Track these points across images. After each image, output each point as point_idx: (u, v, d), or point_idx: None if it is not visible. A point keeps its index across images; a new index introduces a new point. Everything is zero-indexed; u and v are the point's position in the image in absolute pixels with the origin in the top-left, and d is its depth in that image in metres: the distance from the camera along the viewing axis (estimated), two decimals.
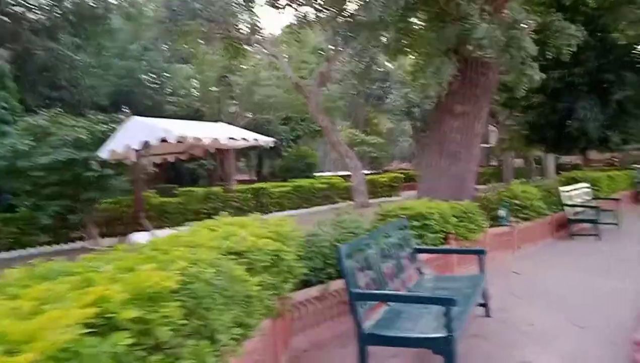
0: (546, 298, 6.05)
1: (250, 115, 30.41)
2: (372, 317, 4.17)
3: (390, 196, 22.70)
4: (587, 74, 17.13)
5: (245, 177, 30.86)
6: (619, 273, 7.17)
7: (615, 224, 10.95)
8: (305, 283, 5.08)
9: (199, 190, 16.52)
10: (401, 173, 26.87)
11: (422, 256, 6.18)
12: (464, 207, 7.67)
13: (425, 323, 3.97)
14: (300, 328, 4.84)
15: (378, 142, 35.70)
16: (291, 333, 4.69)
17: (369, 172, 35.82)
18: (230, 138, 11.74)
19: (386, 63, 28.86)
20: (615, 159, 39.87)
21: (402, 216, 6.48)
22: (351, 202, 18.46)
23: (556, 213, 10.46)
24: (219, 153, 18.96)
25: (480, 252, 5.56)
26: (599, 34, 16.76)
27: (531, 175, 32.00)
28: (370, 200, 18.85)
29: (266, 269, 3.50)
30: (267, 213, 17.19)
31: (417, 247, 5.92)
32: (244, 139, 12.44)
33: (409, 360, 4.33)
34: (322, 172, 36.20)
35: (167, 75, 27.78)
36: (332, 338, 4.95)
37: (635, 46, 17.37)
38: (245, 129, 15.58)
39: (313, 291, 5.00)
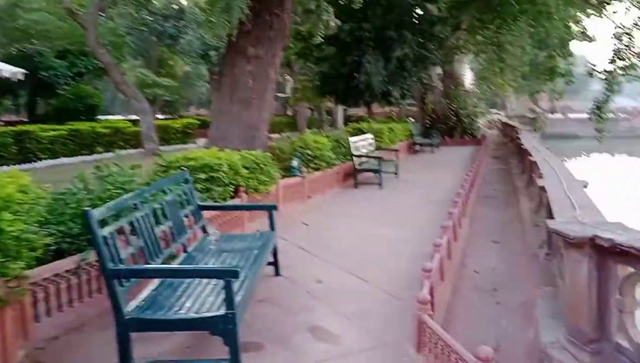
0: (334, 251, 5.95)
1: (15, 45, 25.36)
2: (139, 296, 3.37)
3: (185, 143, 21.42)
4: (374, 30, 18.05)
5: (14, 118, 26.03)
6: (400, 222, 7.53)
7: (395, 173, 11.78)
8: (58, 255, 4.02)
9: None
10: (197, 119, 25.59)
11: (208, 213, 5.52)
12: (256, 157, 7.18)
13: (204, 299, 3.33)
14: (46, 311, 3.80)
15: (172, 85, 33.43)
16: (30, 320, 3.62)
17: (162, 117, 33.47)
18: None
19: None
20: (394, 112, 44.55)
21: (185, 168, 5.66)
22: (141, 150, 16.82)
23: (344, 163, 10.77)
24: None
25: (271, 208, 5.10)
26: None
27: (323, 126, 33.68)
28: (163, 148, 17.40)
29: None
30: (33, 161, 14.61)
31: (202, 203, 5.21)
32: None
33: (184, 339, 3.68)
34: (109, 115, 32.53)
35: None
36: (93, 318, 4.03)
37: (415, 7, 18.76)
38: (6, 60, 12.69)
39: (65, 264, 3.96)
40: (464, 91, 23.27)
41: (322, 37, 9.85)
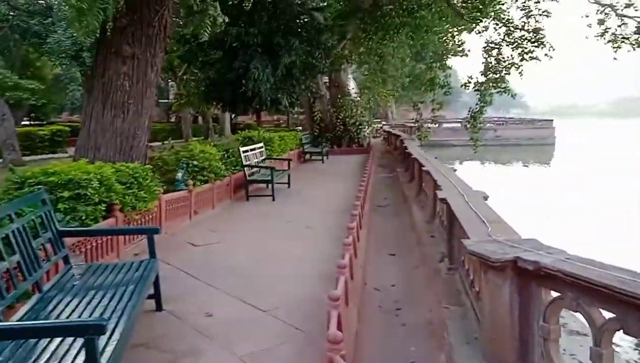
0: (226, 275, 5.33)
1: None
2: None
3: (55, 153, 19.28)
4: (261, 35, 17.57)
5: None
6: (297, 237, 7.08)
7: (287, 184, 11.36)
8: None
9: None
10: (69, 126, 23.25)
11: (74, 240, 4.63)
12: (134, 170, 6.31)
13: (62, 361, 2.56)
14: None
15: (39, 88, 30.15)
16: None
17: (27, 123, 30.11)
18: None
19: None
20: (281, 120, 44.36)
21: (43, 185, 4.71)
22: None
23: (234, 174, 10.13)
24: None
25: (151, 232, 4.36)
26: None
27: (209, 134, 32.48)
28: (27, 158, 15.41)
29: None
30: None
31: (64, 228, 4.33)
32: None
33: None
34: None
35: None
36: None
37: (302, 15, 18.60)
38: None
39: None
40: (350, 100, 23.64)
41: (208, 40, 9.14)
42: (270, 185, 10.16)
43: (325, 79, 25.46)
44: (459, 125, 57.04)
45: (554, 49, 16.53)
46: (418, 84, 28.85)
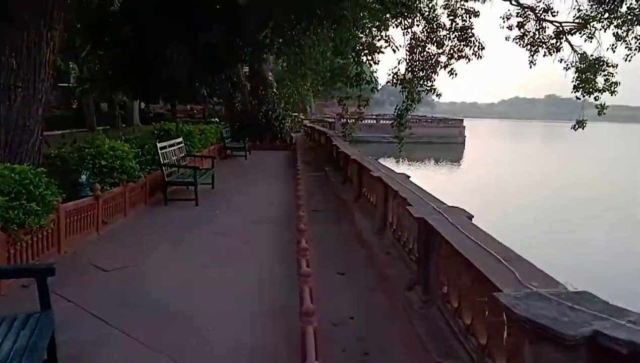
0: (144, 315, 4.13)
1: None
2: None
3: None
4: (177, 14, 15.92)
5: None
6: (230, 255, 5.96)
7: (211, 184, 10.13)
8: None
9: None
10: None
11: None
12: (22, 174, 4.86)
13: None
14: None
15: None
16: None
17: None
18: None
19: None
20: (195, 111, 42.01)
21: None
22: None
23: (150, 175, 8.73)
24: None
25: (43, 273, 3.08)
26: None
27: (117, 124, 29.82)
28: None
29: None
30: None
31: None
32: None
33: None
34: None
35: None
36: None
37: None
38: None
39: None
40: (273, 93, 22.51)
41: (115, 13, 7.67)
42: (192, 188, 8.87)
43: (246, 69, 24.13)
44: (374, 121, 58.18)
45: (483, 48, 16.50)
46: (344, 78, 28.38)
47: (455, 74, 16.73)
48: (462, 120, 63.93)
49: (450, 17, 17.13)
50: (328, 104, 68.80)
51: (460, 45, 16.78)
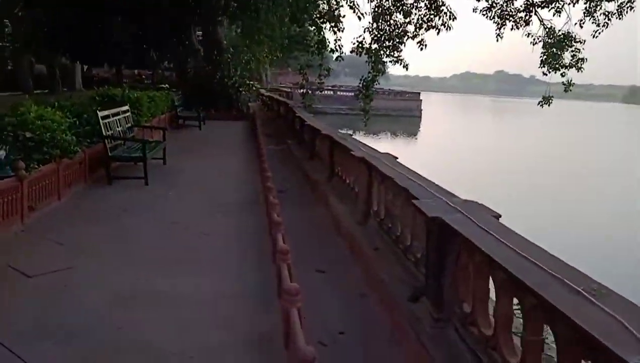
0: (82, 350, 3.08)
1: None
2: None
3: None
4: None
5: None
6: (189, 255, 4.90)
7: (162, 159, 8.95)
8: None
9: None
10: None
11: None
12: None
13: None
14: None
15: None
16: None
17: None
18: None
19: None
20: (144, 76, 39.49)
21: None
22: None
23: (90, 149, 7.46)
24: None
25: None
26: None
27: (57, 88, 27.41)
28: None
29: None
30: None
31: None
32: None
33: None
34: None
35: None
36: None
37: None
38: None
39: None
40: (228, 58, 20.97)
41: None
42: (141, 164, 7.65)
43: (200, 33, 22.43)
44: (332, 93, 57.03)
45: (455, 18, 15.66)
46: (301, 46, 27.04)
47: (425, 46, 15.85)
48: (419, 93, 63.84)
49: None
50: (283, 73, 66.96)
51: (429, 14, 15.86)
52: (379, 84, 18.24)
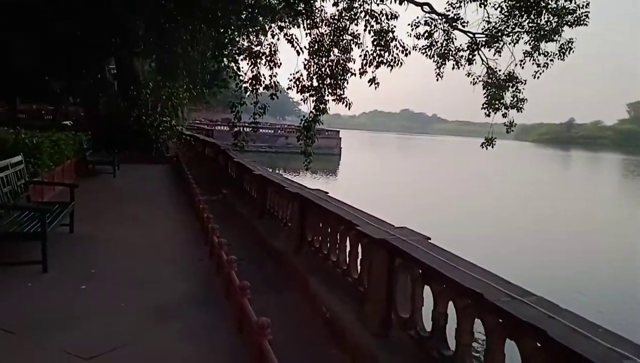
0: None
1: None
2: None
3: None
4: None
5: None
6: None
7: (69, 227, 6.58)
8: None
9: None
10: None
11: None
12: None
13: None
14: None
15: None
16: None
17: None
18: None
19: None
20: (44, 111, 35.19)
21: None
22: None
23: None
24: None
25: None
26: None
27: None
28: None
29: None
30: None
31: None
32: None
33: None
34: None
35: None
36: None
37: None
38: None
39: None
40: (147, 95, 18.52)
41: None
42: (40, 241, 5.27)
43: (113, 65, 19.79)
44: (251, 130, 55.03)
45: (408, 53, 14.61)
46: (219, 82, 25.25)
47: (377, 84, 14.57)
48: (338, 131, 63.69)
49: (366, 19, 15.01)
50: (198, 110, 64.04)
51: (377, 50, 14.70)
52: (321, 124, 16.69)
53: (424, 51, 17.56)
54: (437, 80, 17.92)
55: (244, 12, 17.43)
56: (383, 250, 4.03)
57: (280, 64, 15.96)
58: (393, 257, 3.95)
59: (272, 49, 16.21)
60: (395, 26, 14.83)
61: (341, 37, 16.32)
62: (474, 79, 17.87)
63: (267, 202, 8.79)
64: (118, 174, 13.56)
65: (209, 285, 5.30)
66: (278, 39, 17.05)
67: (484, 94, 17.42)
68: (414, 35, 17.07)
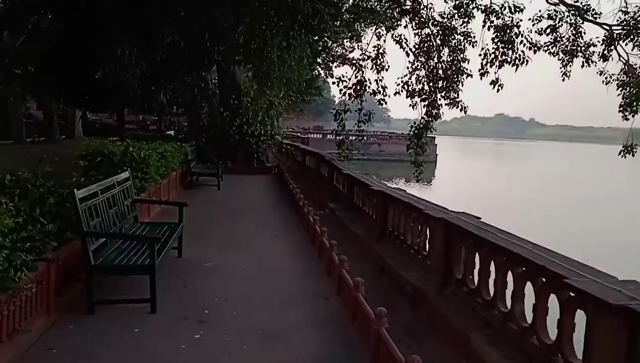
0: None
1: None
2: None
3: None
4: (127, 3, 11.51)
5: None
6: None
7: (177, 249, 5.85)
8: None
9: None
10: None
11: None
12: None
13: None
14: None
15: None
16: None
17: None
18: None
19: None
20: (148, 122, 36.70)
21: None
22: None
23: (67, 246, 4.38)
24: None
25: None
26: None
27: (55, 135, 24.68)
28: None
29: None
30: None
31: None
32: None
33: None
34: None
35: None
36: None
37: None
38: None
39: None
40: (248, 104, 18.15)
41: None
42: (149, 277, 4.50)
43: (215, 74, 19.71)
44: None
45: (537, 49, 12.92)
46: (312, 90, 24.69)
47: (501, 86, 12.99)
48: (434, 137, 61.28)
49: (485, 15, 13.46)
50: (289, 118, 64.63)
51: (499, 47, 13.10)
52: (434, 130, 15.33)
53: (546, 48, 15.63)
54: (563, 80, 15.83)
55: (344, 16, 16.62)
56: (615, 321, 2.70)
57: (388, 67, 14.78)
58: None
59: (379, 51, 15.12)
60: (521, 20, 13.09)
61: (452, 36, 14.90)
62: (606, 77, 15.62)
63: (387, 222, 7.66)
64: (222, 185, 13.07)
65: (345, 335, 4.24)
66: (384, 41, 15.95)
67: (620, 94, 15.12)
68: (535, 31, 15.23)
